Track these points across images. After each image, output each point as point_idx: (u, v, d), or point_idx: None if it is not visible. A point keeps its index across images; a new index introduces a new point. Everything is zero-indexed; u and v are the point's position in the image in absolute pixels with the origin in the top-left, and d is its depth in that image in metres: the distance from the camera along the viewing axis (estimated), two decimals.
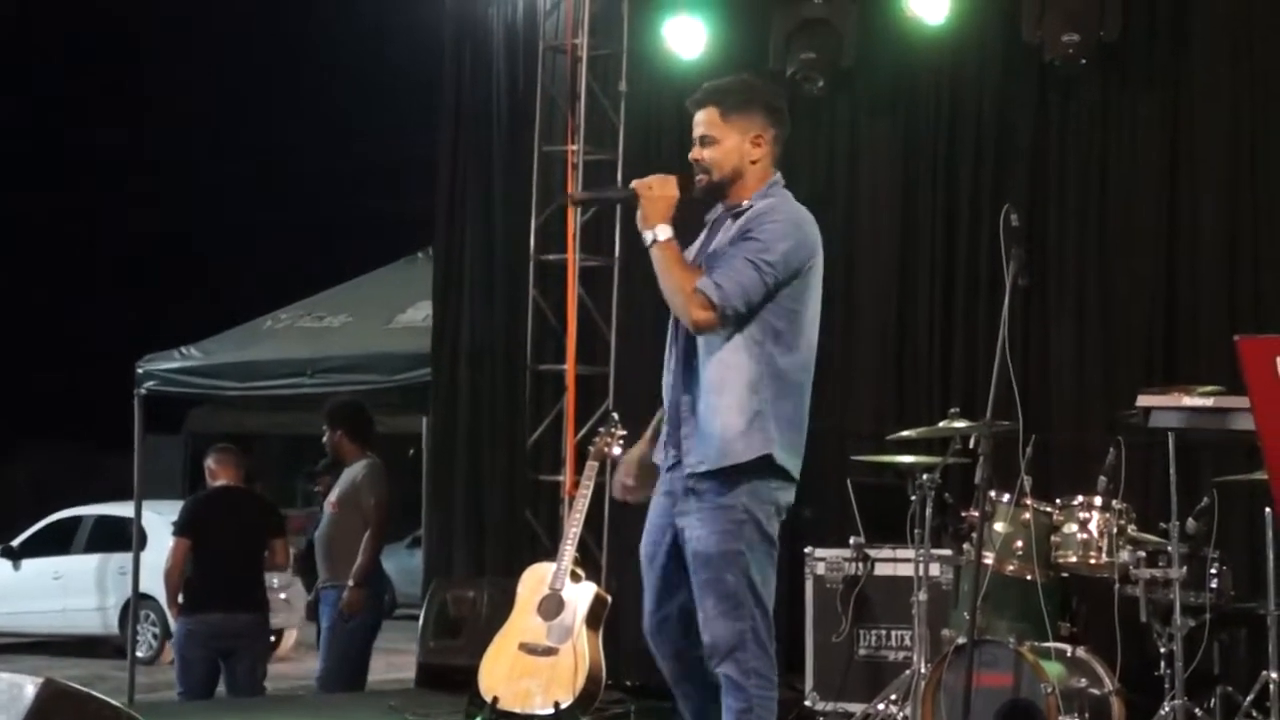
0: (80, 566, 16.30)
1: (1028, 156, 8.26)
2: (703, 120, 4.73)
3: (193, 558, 8.67)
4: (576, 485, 7.35)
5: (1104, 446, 6.45)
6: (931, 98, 8.56)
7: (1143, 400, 5.98)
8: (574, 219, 9.13)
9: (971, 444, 6.27)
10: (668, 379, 4.79)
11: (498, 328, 9.60)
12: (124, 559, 14.57)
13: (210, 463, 9.05)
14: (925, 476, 6.76)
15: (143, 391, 11.36)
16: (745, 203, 4.73)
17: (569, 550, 7.01)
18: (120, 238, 24.87)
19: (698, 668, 4.67)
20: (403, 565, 17.52)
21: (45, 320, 25.18)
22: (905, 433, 7.09)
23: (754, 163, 4.72)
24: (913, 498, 6.81)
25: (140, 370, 11.41)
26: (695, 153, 4.75)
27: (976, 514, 6.06)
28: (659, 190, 4.65)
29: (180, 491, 18.46)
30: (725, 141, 4.70)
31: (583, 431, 8.84)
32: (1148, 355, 7.87)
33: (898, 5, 8.38)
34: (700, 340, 4.64)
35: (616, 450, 6.96)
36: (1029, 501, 6.47)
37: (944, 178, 8.50)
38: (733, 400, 4.59)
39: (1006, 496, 6.44)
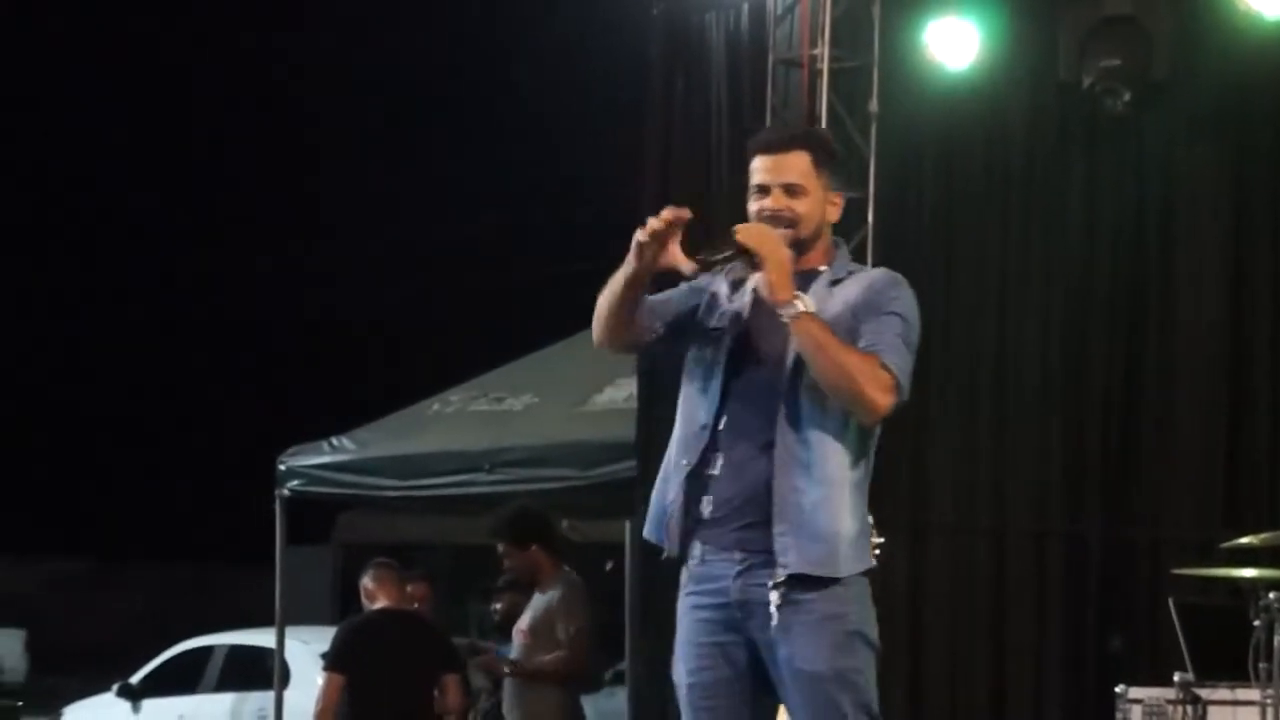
0: (211, 708, 16.55)
1: None
2: (792, 165, 4.80)
3: (347, 698, 8.78)
4: None
5: None
6: (1271, 113, 8.48)
7: None
8: None
9: None
10: (731, 455, 4.71)
11: None
12: (263, 699, 14.77)
13: (367, 581, 9.17)
14: (1272, 595, 6.64)
15: (285, 493, 11.59)
16: (832, 267, 4.79)
17: None
18: (255, 310, 25.38)
19: None
20: (602, 708, 17.53)
21: (160, 410, 25.65)
22: (1243, 539, 6.96)
23: (829, 226, 4.85)
24: (1255, 622, 6.70)
25: (282, 467, 11.64)
26: (776, 201, 4.80)
27: None
28: (775, 245, 4.69)
29: (330, 616, 18.75)
30: (813, 194, 4.79)
31: None
32: None
33: None
34: (809, 421, 4.64)
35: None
36: None
37: None
38: (846, 500, 4.67)
39: None
